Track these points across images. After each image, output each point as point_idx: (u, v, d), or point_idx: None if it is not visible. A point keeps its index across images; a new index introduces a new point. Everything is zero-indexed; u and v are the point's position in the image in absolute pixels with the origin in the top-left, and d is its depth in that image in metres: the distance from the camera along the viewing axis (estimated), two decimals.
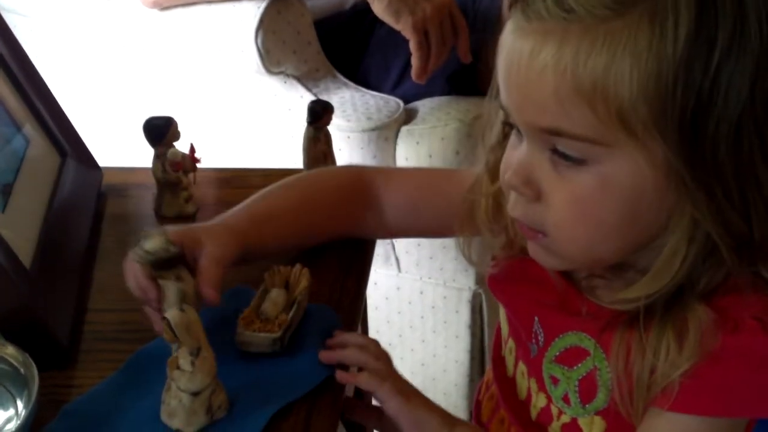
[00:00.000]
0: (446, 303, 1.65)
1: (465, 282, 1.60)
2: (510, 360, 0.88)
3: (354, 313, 0.94)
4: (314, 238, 0.97)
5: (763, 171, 0.64)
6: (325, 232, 0.98)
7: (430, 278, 1.63)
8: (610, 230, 0.69)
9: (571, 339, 0.78)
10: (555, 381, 0.80)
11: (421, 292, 1.66)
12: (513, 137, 0.73)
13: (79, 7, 1.71)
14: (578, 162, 0.67)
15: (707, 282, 0.69)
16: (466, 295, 1.62)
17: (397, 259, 1.63)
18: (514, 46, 0.67)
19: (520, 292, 0.84)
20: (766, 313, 0.68)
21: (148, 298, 0.81)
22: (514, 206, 0.72)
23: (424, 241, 1.58)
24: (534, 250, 0.75)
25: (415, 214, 0.96)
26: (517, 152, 0.71)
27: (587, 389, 0.77)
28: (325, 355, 0.83)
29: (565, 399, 0.79)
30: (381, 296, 1.70)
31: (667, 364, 0.68)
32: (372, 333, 1.65)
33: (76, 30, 1.75)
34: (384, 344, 1.82)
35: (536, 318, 0.81)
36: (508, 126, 0.74)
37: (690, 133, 0.63)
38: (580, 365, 0.77)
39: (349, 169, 1.04)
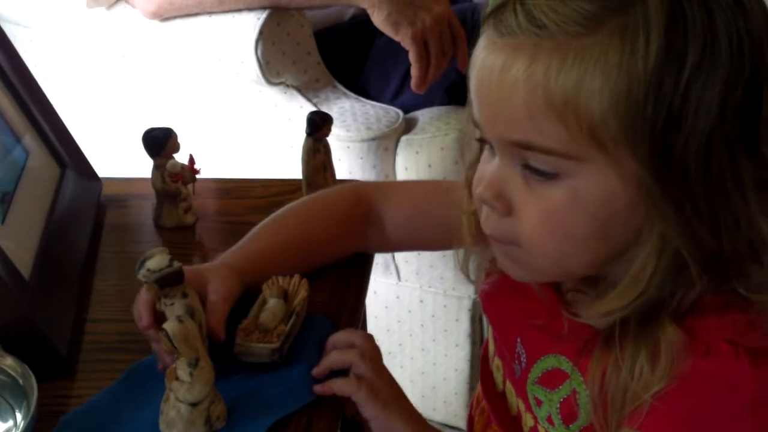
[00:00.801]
0: (446, 312, 1.65)
1: (465, 291, 1.61)
2: (498, 376, 0.88)
3: (353, 322, 0.94)
4: (316, 265, 0.97)
5: (733, 188, 0.64)
6: (326, 258, 0.99)
7: (429, 287, 1.63)
8: (580, 243, 0.69)
9: (550, 362, 0.78)
10: (539, 402, 0.80)
11: (421, 301, 1.66)
12: (486, 152, 0.72)
13: (79, 18, 1.71)
14: (549, 176, 0.67)
15: (680, 300, 0.68)
16: (466, 304, 1.62)
17: (396, 268, 1.63)
18: (485, 61, 0.67)
19: (508, 309, 0.84)
20: (741, 336, 0.67)
21: (141, 325, 0.83)
22: (486, 221, 0.72)
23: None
24: (503, 262, 0.75)
25: (415, 229, 0.97)
26: (489, 166, 0.71)
27: (568, 411, 0.77)
28: (315, 371, 0.84)
29: (549, 420, 0.79)
30: (381, 305, 1.70)
31: (640, 385, 0.68)
32: None
33: (76, 41, 1.76)
34: (384, 353, 1.82)
35: (518, 339, 0.82)
36: (482, 142, 0.74)
37: (660, 149, 0.63)
38: (560, 387, 0.77)
39: (346, 189, 1.02)
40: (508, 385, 0.85)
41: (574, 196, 0.67)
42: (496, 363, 0.88)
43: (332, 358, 0.84)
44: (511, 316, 0.83)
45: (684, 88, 0.62)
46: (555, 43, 0.63)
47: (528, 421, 0.82)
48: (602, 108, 0.63)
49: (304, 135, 1.09)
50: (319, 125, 1.08)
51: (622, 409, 0.70)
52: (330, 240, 0.98)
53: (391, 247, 1.07)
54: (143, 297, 0.84)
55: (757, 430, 0.67)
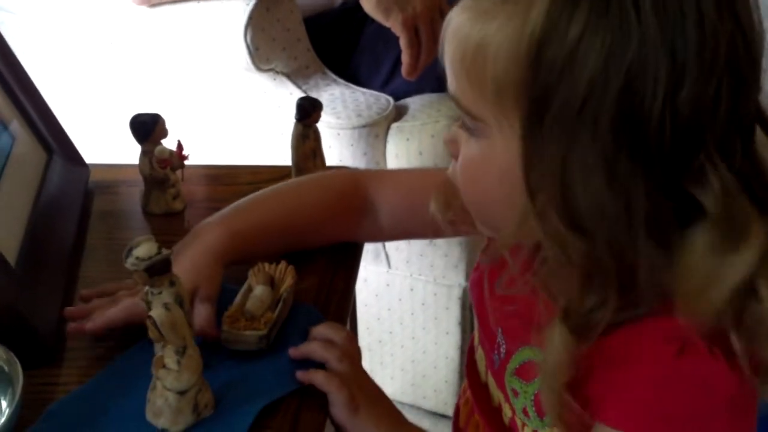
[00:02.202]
0: (436, 300, 1.65)
1: (455, 279, 1.60)
2: (482, 367, 0.88)
3: (342, 310, 0.93)
4: (302, 248, 0.97)
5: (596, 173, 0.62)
6: (315, 243, 0.98)
7: (420, 275, 1.63)
8: (494, 203, 0.70)
9: (527, 353, 0.78)
10: (516, 394, 0.80)
11: (411, 289, 1.66)
12: None
13: (67, 4, 1.70)
14: (470, 132, 0.69)
15: (644, 296, 0.66)
16: (456, 292, 1.62)
17: (387, 256, 1.63)
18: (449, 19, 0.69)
19: (492, 297, 0.83)
20: (718, 337, 0.65)
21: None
22: (450, 168, 0.75)
23: None
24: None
25: (411, 217, 0.96)
26: None
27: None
28: (292, 351, 0.84)
29: (525, 412, 0.79)
30: (371, 293, 1.69)
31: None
32: (362, 330, 1.65)
33: (64, 27, 1.75)
34: (374, 341, 1.82)
35: (500, 329, 0.81)
36: None
37: (538, 112, 0.62)
38: (535, 380, 0.76)
39: (341, 176, 1.02)
40: (490, 376, 0.85)
41: (483, 157, 0.69)
42: (479, 353, 0.88)
43: (311, 348, 0.84)
44: (495, 305, 0.83)
45: (568, 50, 0.60)
46: (490, 3, 0.64)
47: (507, 412, 0.82)
48: (497, 70, 0.63)
49: (294, 121, 1.08)
50: (308, 111, 1.07)
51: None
52: (322, 226, 0.97)
53: (383, 237, 1.07)
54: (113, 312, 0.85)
55: (730, 426, 0.67)
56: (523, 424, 0.80)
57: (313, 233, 0.97)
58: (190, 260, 0.86)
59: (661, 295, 0.65)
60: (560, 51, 0.60)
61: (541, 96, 0.62)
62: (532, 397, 0.77)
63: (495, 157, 0.67)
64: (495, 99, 0.65)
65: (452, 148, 0.73)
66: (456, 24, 0.66)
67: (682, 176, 0.62)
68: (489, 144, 0.68)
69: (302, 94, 1.52)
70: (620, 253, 0.63)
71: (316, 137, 1.09)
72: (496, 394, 0.84)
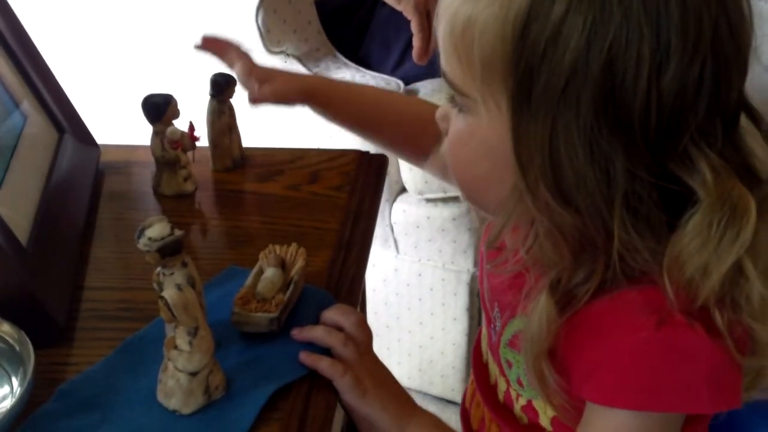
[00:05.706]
0: (444, 285, 1.65)
1: (463, 264, 1.60)
2: (484, 345, 0.89)
3: (353, 295, 0.93)
4: (372, 135, 1.02)
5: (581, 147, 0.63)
6: (385, 136, 1.02)
7: (428, 260, 1.63)
8: (481, 180, 0.72)
9: (518, 324, 0.78)
10: (510, 365, 0.81)
11: (420, 275, 1.66)
12: None
13: None
14: (459, 108, 0.71)
15: (624, 267, 0.66)
16: (465, 278, 1.62)
17: (395, 241, 1.63)
18: None
19: (488, 274, 0.84)
20: (699, 313, 0.65)
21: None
22: (442, 145, 0.77)
23: (423, 224, 1.58)
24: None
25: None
26: None
27: None
28: (296, 333, 0.84)
29: (519, 382, 0.80)
30: (379, 278, 1.69)
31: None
32: (370, 315, 1.65)
33: (76, 7, 1.74)
34: (381, 326, 1.82)
35: (496, 304, 0.82)
36: None
37: (524, 90, 0.63)
38: None
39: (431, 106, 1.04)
40: (489, 352, 0.86)
41: (470, 133, 0.70)
42: (483, 332, 0.89)
43: (315, 334, 0.84)
44: (490, 281, 0.83)
45: (552, 29, 0.61)
46: None
47: (501, 386, 0.83)
48: (484, 47, 0.64)
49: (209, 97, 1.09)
50: (223, 87, 1.08)
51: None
52: (399, 125, 1.01)
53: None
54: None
55: (711, 400, 0.67)
56: (518, 395, 0.81)
57: (389, 125, 1.00)
58: (278, 69, 0.96)
59: (645, 274, 0.66)
60: (544, 31, 0.61)
61: (527, 75, 0.63)
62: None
63: (481, 133, 0.68)
64: (482, 76, 0.65)
65: (443, 124, 0.75)
66: (447, 1, 0.67)
67: (668, 158, 0.63)
68: (476, 120, 0.68)
69: None
70: (604, 227, 0.64)
71: (231, 113, 1.11)
72: (493, 369, 0.85)
